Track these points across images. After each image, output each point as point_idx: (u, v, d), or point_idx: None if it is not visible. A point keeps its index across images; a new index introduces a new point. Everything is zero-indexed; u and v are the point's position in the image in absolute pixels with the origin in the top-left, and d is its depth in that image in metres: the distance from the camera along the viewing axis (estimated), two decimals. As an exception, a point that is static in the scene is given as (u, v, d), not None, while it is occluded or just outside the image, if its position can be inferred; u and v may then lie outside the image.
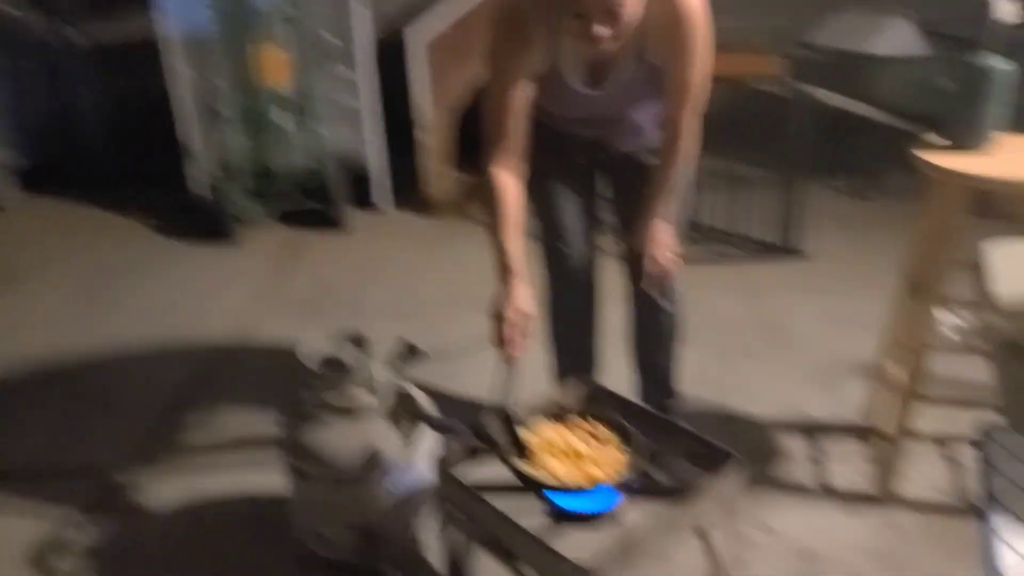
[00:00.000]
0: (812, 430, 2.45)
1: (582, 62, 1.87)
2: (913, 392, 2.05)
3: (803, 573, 1.94)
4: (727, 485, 1.71)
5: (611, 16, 1.66)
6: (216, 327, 3.20)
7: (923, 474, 2.23)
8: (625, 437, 1.77)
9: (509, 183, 1.87)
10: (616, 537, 1.68)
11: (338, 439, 1.86)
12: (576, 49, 1.81)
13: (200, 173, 4.09)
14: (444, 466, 1.78)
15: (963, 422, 2.40)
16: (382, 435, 1.88)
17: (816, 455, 2.34)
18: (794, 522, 2.08)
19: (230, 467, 2.39)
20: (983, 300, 1.29)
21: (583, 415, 1.83)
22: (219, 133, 4.03)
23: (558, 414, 1.84)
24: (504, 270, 1.83)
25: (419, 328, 3.10)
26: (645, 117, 2.02)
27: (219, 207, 3.94)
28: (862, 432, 2.42)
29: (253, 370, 2.93)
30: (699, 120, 1.93)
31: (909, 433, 2.09)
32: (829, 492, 2.20)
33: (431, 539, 2.01)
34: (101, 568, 2.05)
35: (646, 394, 2.37)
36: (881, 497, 2.14)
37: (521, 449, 1.71)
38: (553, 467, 1.70)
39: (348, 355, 1.93)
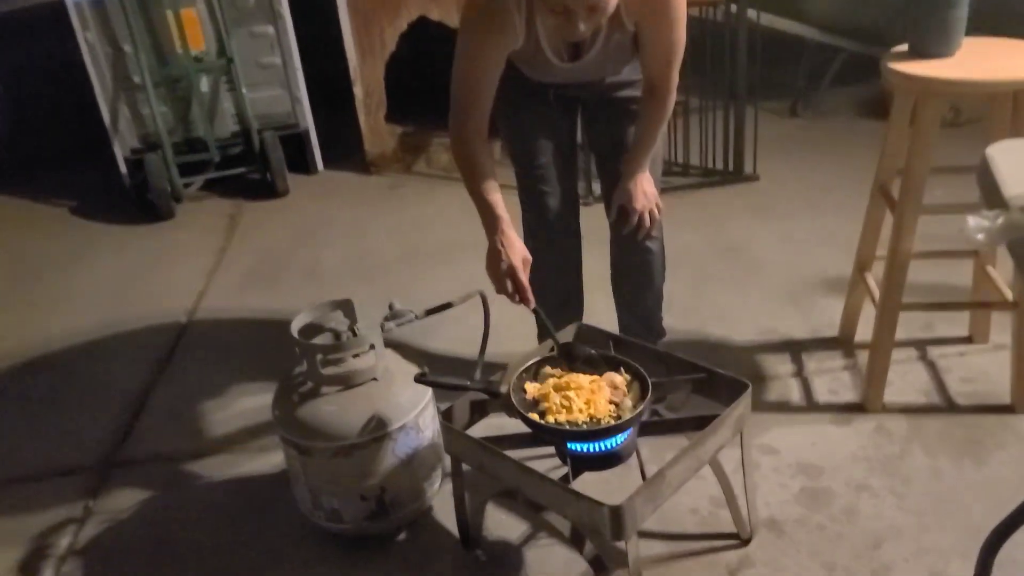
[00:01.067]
0: (793, 349, 2.49)
1: (561, 41, 1.83)
2: (892, 301, 2.09)
3: (808, 486, 1.97)
4: (742, 414, 1.71)
5: (594, 11, 1.62)
6: (166, 309, 3.05)
7: (905, 379, 2.29)
8: (632, 376, 1.75)
9: (480, 145, 1.84)
10: (637, 476, 1.68)
11: (340, 410, 1.79)
12: (556, 31, 1.76)
13: (122, 148, 3.86)
14: (451, 423, 1.73)
15: (939, 326, 2.49)
16: (383, 399, 1.82)
17: (801, 373, 2.38)
18: (791, 440, 2.12)
19: (212, 452, 2.29)
20: (992, 200, 1.29)
21: (585, 358, 1.80)
22: (137, 104, 3.80)
23: (559, 360, 1.80)
24: (493, 220, 1.79)
25: (382, 288, 3.02)
26: (623, 71, 2.00)
27: (147, 183, 3.73)
28: (841, 345, 2.47)
29: (215, 348, 2.81)
30: (678, 72, 1.90)
31: (888, 341, 2.14)
32: (818, 407, 2.24)
33: (440, 500, 1.98)
34: (88, 572, 1.95)
35: (633, 334, 2.36)
36: (868, 406, 2.19)
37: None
38: (563, 412, 1.67)
39: (337, 323, 1.85)
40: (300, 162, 4.12)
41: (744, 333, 2.58)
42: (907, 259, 2.03)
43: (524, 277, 1.76)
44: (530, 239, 2.17)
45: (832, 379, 2.34)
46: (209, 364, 2.71)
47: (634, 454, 1.72)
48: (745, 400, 1.71)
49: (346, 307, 1.91)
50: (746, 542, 1.85)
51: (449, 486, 1.85)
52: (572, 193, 2.19)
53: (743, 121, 3.59)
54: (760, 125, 3.60)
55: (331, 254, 3.37)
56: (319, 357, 1.80)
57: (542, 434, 1.67)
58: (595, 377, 1.74)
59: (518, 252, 1.77)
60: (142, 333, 2.92)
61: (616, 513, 1.47)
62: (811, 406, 2.24)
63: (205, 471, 2.22)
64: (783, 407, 2.25)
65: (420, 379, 1.73)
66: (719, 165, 3.71)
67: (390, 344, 1.94)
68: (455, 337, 2.62)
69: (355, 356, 1.84)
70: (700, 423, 1.74)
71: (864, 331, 2.44)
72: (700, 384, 1.80)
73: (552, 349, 1.82)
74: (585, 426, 1.63)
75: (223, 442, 2.32)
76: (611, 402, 1.69)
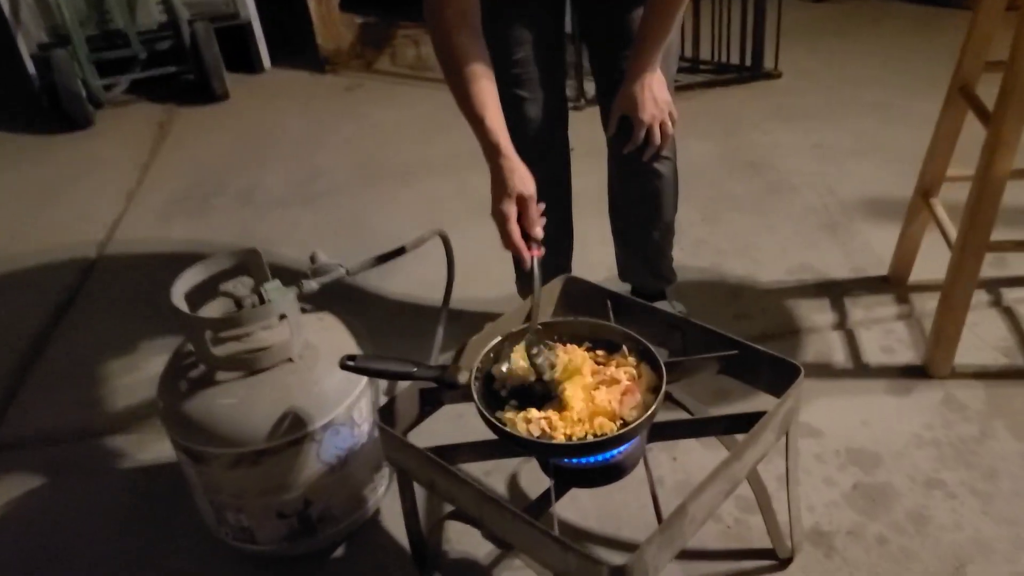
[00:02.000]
0: (833, 292, 2.01)
1: None
2: (978, 239, 1.59)
3: (862, 483, 1.53)
4: (791, 408, 1.24)
5: None
6: (73, 241, 2.53)
7: (976, 333, 1.82)
8: (639, 357, 1.27)
9: (469, 35, 1.32)
10: (640, 483, 1.23)
11: (242, 404, 1.31)
12: None
13: (27, 44, 3.25)
14: (390, 425, 1.26)
15: (1014, 262, 2.00)
16: (301, 387, 1.34)
17: (844, 325, 1.90)
18: (836, 417, 1.66)
19: (109, 430, 1.83)
20: None
21: (576, 331, 1.32)
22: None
23: (546, 334, 1.32)
24: (492, 151, 1.30)
25: (333, 218, 2.52)
26: None
27: (60, 85, 3.15)
28: (893, 288, 1.99)
29: (127, 293, 2.31)
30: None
31: (967, 291, 1.65)
32: (869, 371, 1.77)
33: (390, 501, 1.53)
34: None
35: (636, 278, 1.88)
36: (933, 370, 1.73)
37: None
38: (549, 414, 1.20)
39: (238, 284, 1.35)
40: (243, 59, 3.53)
41: (770, 271, 2.10)
42: (1003, 184, 1.53)
43: (531, 220, 1.29)
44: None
45: (884, 333, 1.87)
46: (117, 312, 2.22)
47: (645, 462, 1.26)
48: (795, 391, 1.23)
49: (252, 260, 1.41)
50: (785, 563, 1.41)
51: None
52: (558, 99, 1.66)
53: (763, 7, 3.01)
54: (788, 13, 3.02)
55: (274, 173, 2.84)
56: (209, 334, 1.31)
57: (515, 445, 1.20)
58: (591, 361, 1.27)
59: (520, 191, 1.28)
60: (40, 272, 2.41)
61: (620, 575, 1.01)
62: (860, 370, 1.78)
63: (98, 457, 1.76)
64: (824, 371, 1.78)
65: (348, 365, 1.25)
66: (734, 60, 3.15)
67: (317, 303, 1.45)
68: (418, 280, 2.14)
69: (264, 329, 1.36)
70: (731, 424, 1.27)
71: (922, 270, 1.96)
72: (732, 363, 1.32)
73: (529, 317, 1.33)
74: (582, 436, 1.17)
75: (124, 418, 1.85)
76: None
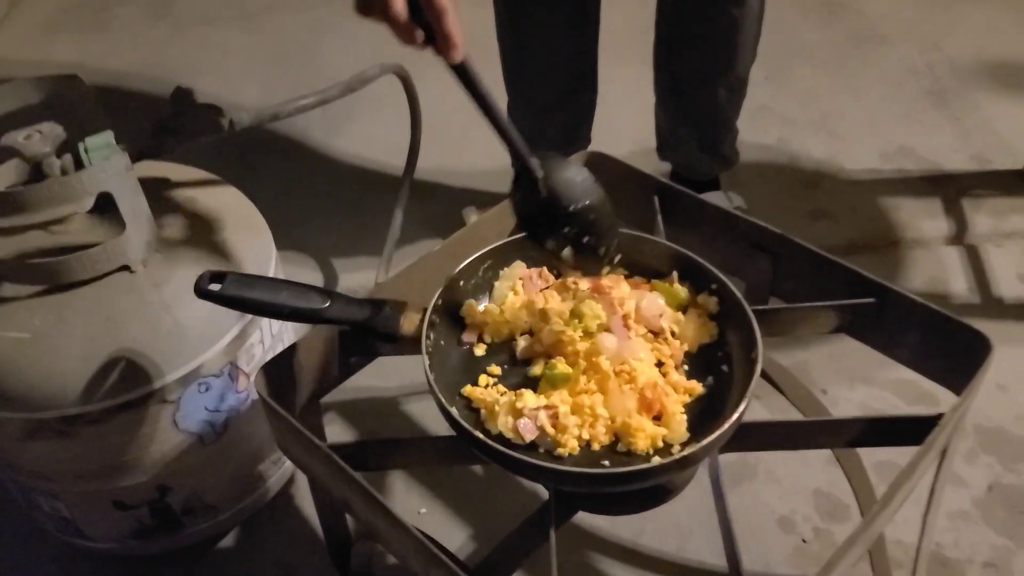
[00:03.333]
0: (945, 189, 1.46)
1: None
2: None
3: (999, 482, 1.04)
4: (966, 408, 0.73)
5: None
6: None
7: None
8: (706, 295, 0.76)
9: None
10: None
11: (38, 340, 0.78)
12: None
13: None
14: (279, 390, 0.74)
15: None
16: (143, 317, 0.81)
17: (963, 239, 1.36)
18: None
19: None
20: None
21: (602, 253, 0.78)
22: None
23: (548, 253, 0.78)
24: None
25: (269, 40, 1.90)
26: None
27: None
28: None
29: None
30: None
31: None
32: (1005, 309, 1.25)
33: (300, 478, 1.04)
34: None
35: (683, 155, 1.32)
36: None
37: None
38: (552, 401, 0.69)
39: (40, 138, 0.79)
40: None
41: (858, 154, 1.54)
42: None
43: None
44: None
45: (1022, 252, 1.33)
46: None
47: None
48: (981, 377, 0.71)
49: (72, 95, 0.84)
50: (890, 603, 0.94)
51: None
52: None
53: None
54: None
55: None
56: (-25, 219, 0.77)
57: (490, 457, 0.68)
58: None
59: None
60: None
61: None
62: (989, 305, 1.26)
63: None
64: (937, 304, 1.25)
65: (208, 291, 0.71)
66: None
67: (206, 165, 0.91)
68: (371, 136, 1.57)
69: (80, 216, 0.81)
70: (874, 432, 0.76)
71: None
72: (860, 318, 0.80)
73: (518, 227, 0.78)
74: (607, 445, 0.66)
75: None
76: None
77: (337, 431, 1.12)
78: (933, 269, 1.31)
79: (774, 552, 0.99)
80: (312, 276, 1.34)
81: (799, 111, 1.64)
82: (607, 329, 0.73)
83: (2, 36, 2.00)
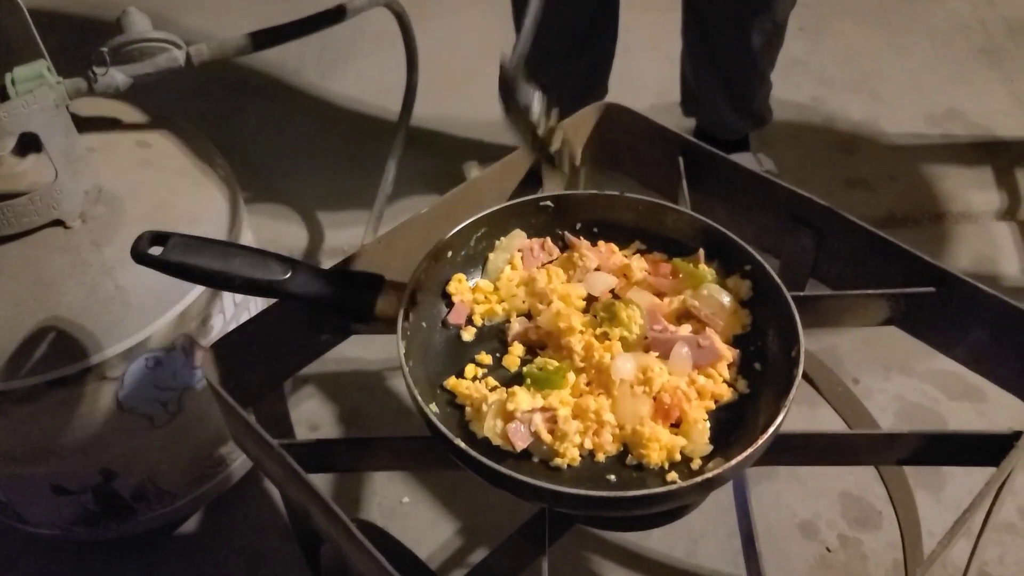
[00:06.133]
0: (999, 160, 1.32)
1: None
2: None
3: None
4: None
5: None
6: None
7: None
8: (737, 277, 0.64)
9: None
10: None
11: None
12: None
13: None
14: (230, 377, 0.63)
15: None
16: (80, 281, 0.69)
17: (1019, 214, 1.24)
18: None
19: None
20: None
21: (617, 216, 0.66)
22: None
23: (561, 218, 0.66)
24: None
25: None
26: None
27: None
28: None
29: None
30: None
31: None
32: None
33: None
34: None
35: (710, 111, 1.19)
36: None
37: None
38: (551, 402, 0.58)
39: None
40: None
41: (901, 117, 1.41)
42: None
43: None
44: None
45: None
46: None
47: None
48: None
49: (8, 14, 0.71)
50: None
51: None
52: None
53: None
54: None
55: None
56: None
57: (473, 470, 0.57)
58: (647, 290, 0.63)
59: None
60: None
61: None
62: (1043, 291, 1.13)
63: None
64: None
65: (148, 256, 0.59)
66: None
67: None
68: (369, 79, 1.44)
69: (6, 155, 0.69)
70: (936, 449, 0.65)
71: None
72: (915, 309, 0.68)
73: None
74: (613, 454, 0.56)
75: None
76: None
77: (314, 407, 1.02)
78: (982, 246, 1.18)
79: (794, 562, 0.89)
80: (296, 233, 1.22)
81: (837, 69, 1.50)
82: (648, 343, 0.62)
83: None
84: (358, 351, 1.04)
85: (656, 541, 0.90)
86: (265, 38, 0.82)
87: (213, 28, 1.53)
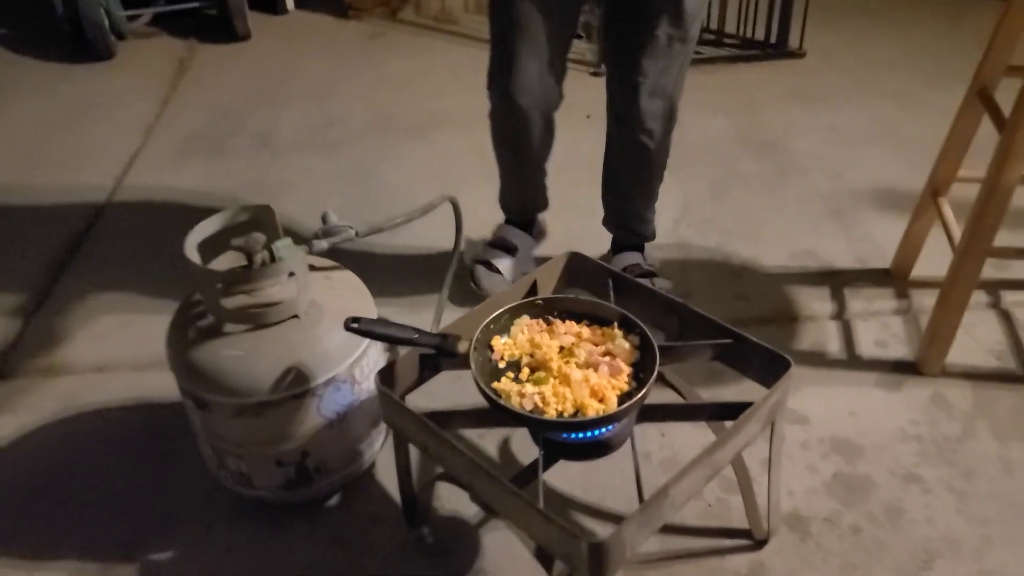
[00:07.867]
0: (833, 281, 2.03)
1: None
2: (979, 245, 1.61)
3: (843, 472, 1.57)
4: (778, 401, 1.28)
5: None
6: (90, 173, 2.56)
7: (972, 334, 1.85)
8: (637, 337, 1.32)
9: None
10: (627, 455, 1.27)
11: (247, 357, 1.35)
12: None
13: (50, -30, 3.25)
14: (390, 387, 1.30)
15: (1016, 265, 2.02)
16: (305, 344, 1.38)
17: (842, 315, 1.93)
18: (825, 406, 1.70)
19: (114, 366, 1.88)
20: None
21: (575, 307, 1.36)
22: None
23: (545, 309, 1.36)
24: None
25: (345, 166, 2.53)
26: None
27: (83, 14, 3.14)
28: (893, 281, 2.02)
29: (139, 231, 2.34)
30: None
31: (965, 294, 1.68)
32: (861, 363, 1.80)
33: (385, 456, 1.58)
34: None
35: (617, 234, 1.95)
36: (924, 368, 1.76)
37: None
38: (539, 388, 1.24)
39: (250, 240, 1.38)
40: (270, 0, 3.51)
41: (774, 254, 2.12)
42: (1010, 193, 1.55)
43: None
44: (491, 116, 1.79)
45: (880, 326, 1.90)
46: (132, 248, 2.25)
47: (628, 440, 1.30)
48: (784, 384, 1.27)
49: (265, 216, 1.44)
50: (760, 544, 1.46)
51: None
52: (550, 96, 1.72)
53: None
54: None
55: (291, 116, 2.85)
56: (219, 286, 1.35)
57: (508, 417, 1.25)
58: (586, 340, 1.31)
59: None
60: (57, 202, 2.45)
61: (597, 551, 1.06)
62: (852, 361, 1.81)
63: (108, 392, 1.81)
64: (817, 360, 1.81)
65: (352, 327, 1.29)
66: (759, 35, 3.12)
67: (326, 258, 1.50)
68: (423, 237, 2.16)
69: (272, 286, 1.39)
70: (719, 411, 1.32)
71: (924, 267, 1.98)
72: (725, 351, 1.36)
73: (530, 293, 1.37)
74: (572, 413, 1.21)
75: (135, 356, 1.90)
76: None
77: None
78: (817, 335, 1.87)
79: (688, 513, 1.52)
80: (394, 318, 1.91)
81: (734, 222, 2.23)
82: (588, 364, 1.30)
83: (144, 158, 2.65)
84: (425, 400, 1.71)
85: (597, 497, 1.53)
86: (379, 226, 1.53)
87: (313, 205, 2.27)
